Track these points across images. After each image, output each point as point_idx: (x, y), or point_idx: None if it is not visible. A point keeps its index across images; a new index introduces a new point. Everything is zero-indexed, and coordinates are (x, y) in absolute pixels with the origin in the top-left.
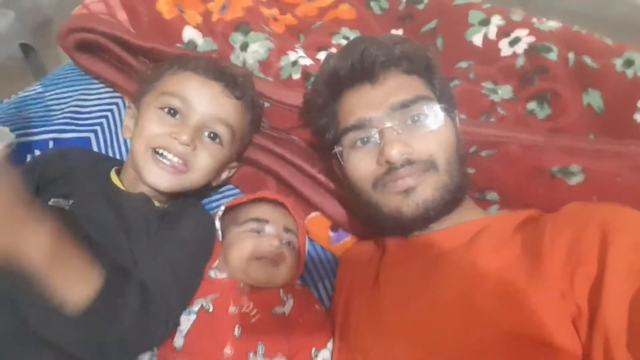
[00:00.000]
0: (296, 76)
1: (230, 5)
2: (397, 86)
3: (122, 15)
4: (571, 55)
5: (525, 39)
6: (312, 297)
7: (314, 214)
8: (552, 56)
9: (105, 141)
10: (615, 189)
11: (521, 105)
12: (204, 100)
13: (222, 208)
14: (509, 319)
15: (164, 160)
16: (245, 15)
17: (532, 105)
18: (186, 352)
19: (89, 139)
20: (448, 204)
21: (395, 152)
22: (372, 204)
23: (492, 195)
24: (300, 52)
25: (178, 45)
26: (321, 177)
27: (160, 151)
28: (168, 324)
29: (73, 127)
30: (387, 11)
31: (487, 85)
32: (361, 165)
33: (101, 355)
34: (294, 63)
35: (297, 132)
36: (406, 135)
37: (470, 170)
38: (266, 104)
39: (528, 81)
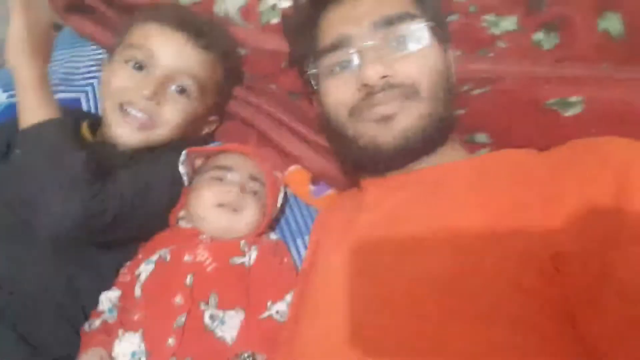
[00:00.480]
0: (275, 20)
1: None
2: (382, 0)
3: None
4: None
5: None
6: (284, 251)
7: (293, 167)
8: None
9: (96, 101)
10: (616, 119)
11: (526, 36)
12: (168, 52)
13: (184, 152)
14: (490, 256)
15: (130, 113)
16: None
17: (538, 35)
18: (143, 300)
19: (79, 99)
20: (430, 137)
21: (373, 73)
22: (348, 136)
23: (481, 137)
24: None
25: None
26: (301, 128)
27: (126, 107)
28: (113, 205)
29: (64, 87)
30: None
31: (489, 17)
32: (338, 91)
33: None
34: (273, 7)
35: (276, 78)
36: (388, 56)
37: (461, 111)
38: (245, 52)
39: (536, 5)
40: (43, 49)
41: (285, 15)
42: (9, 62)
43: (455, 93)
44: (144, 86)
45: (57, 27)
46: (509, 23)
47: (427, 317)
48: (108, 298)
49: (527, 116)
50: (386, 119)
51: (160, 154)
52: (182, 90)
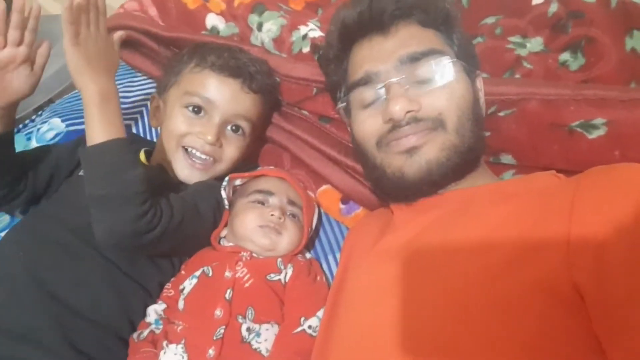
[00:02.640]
0: (306, 49)
1: None
2: (408, 38)
3: (152, 11)
4: None
5: None
6: (317, 270)
7: (324, 187)
8: None
9: (144, 127)
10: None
11: (552, 57)
12: (225, 99)
13: (227, 178)
14: (513, 279)
15: (195, 159)
16: None
17: (565, 56)
18: (185, 313)
19: (130, 126)
20: (456, 167)
21: (399, 108)
22: (376, 165)
23: (507, 158)
24: (311, 25)
25: (203, 32)
26: (330, 151)
27: (190, 149)
28: (163, 222)
29: None
30: None
31: (515, 39)
32: (366, 123)
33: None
34: (304, 36)
35: (306, 104)
36: (414, 91)
37: (486, 133)
38: (278, 80)
39: (561, 29)
40: (105, 64)
41: (317, 46)
42: (75, 85)
43: (483, 120)
44: (207, 132)
45: None
46: (534, 44)
47: (444, 342)
48: (154, 310)
49: (552, 138)
50: (411, 150)
51: (206, 180)
52: (237, 129)
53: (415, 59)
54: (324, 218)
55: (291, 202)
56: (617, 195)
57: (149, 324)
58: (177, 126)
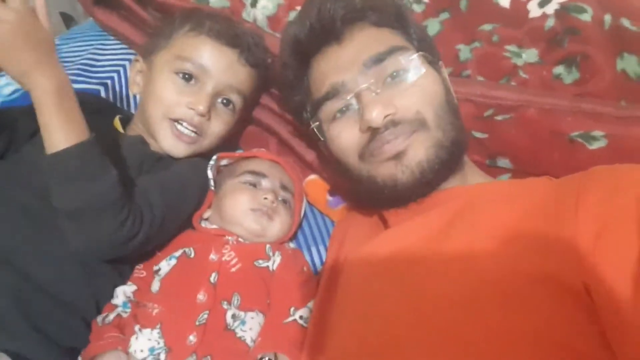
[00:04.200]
0: None
1: None
2: (367, 41)
3: None
4: (607, 17)
5: None
6: (302, 260)
7: (312, 177)
8: (586, 17)
9: (114, 95)
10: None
11: (547, 69)
12: (220, 68)
13: (215, 157)
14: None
15: (182, 130)
16: None
17: (559, 69)
18: (161, 295)
19: (98, 91)
20: (445, 163)
21: (375, 115)
22: (362, 177)
23: (503, 162)
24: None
25: (191, 0)
26: None
27: (178, 121)
28: (144, 226)
29: (83, 79)
30: None
31: (511, 48)
32: (342, 136)
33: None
34: None
35: None
36: (386, 94)
37: (483, 135)
38: (270, 60)
39: (557, 43)
40: (45, 48)
41: (277, 75)
42: (22, 87)
43: (459, 113)
44: (198, 102)
45: (68, 18)
46: (530, 55)
47: (453, 333)
48: (123, 291)
49: (553, 146)
50: (398, 155)
51: (191, 158)
52: (227, 103)
53: (379, 60)
54: (307, 209)
55: (283, 187)
56: (621, 196)
57: (116, 306)
58: (165, 93)
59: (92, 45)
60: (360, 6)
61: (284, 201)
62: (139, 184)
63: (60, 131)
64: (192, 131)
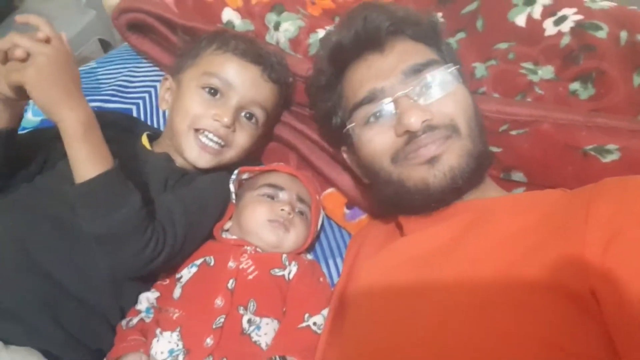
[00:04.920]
0: None
1: None
2: (406, 52)
3: None
4: (623, 34)
5: (572, 17)
6: (319, 271)
7: (330, 190)
8: (601, 34)
9: (145, 113)
10: None
11: (563, 85)
12: (244, 83)
13: (236, 171)
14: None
15: (207, 142)
16: None
17: (575, 85)
18: (182, 301)
19: (131, 110)
20: (474, 172)
21: (414, 120)
22: (393, 181)
23: (517, 176)
24: (330, 29)
25: (218, 25)
26: (338, 154)
27: (203, 132)
28: (167, 246)
29: (117, 99)
30: None
31: (527, 65)
32: (376, 140)
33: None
34: None
35: None
36: (422, 101)
37: (497, 149)
38: (292, 79)
39: (573, 60)
40: (74, 84)
41: (308, 81)
42: (50, 119)
43: (485, 129)
44: (223, 114)
45: (106, 44)
46: (545, 72)
47: (463, 340)
48: (147, 298)
49: (566, 159)
50: (432, 160)
51: (214, 173)
52: (251, 117)
53: (418, 70)
54: (325, 222)
55: (300, 199)
56: (632, 204)
57: (139, 312)
58: (192, 106)
59: (126, 67)
60: (402, 20)
61: (301, 213)
62: (163, 202)
63: (87, 162)
64: (217, 142)
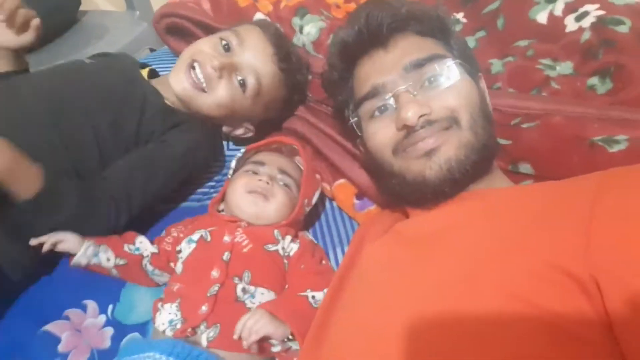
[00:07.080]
0: None
1: None
2: (409, 47)
3: (206, 5)
4: None
5: (594, 12)
6: (321, 252)
7: (341, 181)
8: (623, 29)
9: None
10: None
11: (580, 80)
12: (255, 52)
13: (242, 150)
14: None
15: (193, 75)
16: (306, 0)
17: (593, 80)
18: (184, 276)
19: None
20: (474, 164)
21: (411, 114)
22: (395, 173)
23: (525, 167)
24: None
25: None
26: (351, 147)
27: (194, 64)
28: (121, 208)
29: None
30: None
31: (545, 61)
32: (379, 133)
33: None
34: None
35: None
36: (423, 96)
37: (507, 142)
38: (311, 77)
39: (592, 55)
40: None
41: (322, 76)
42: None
43: (494, 121)
44: (219, 57)
45: (151, 51)
46: (564, 67)
47: (462, 324)
48: (145, 246)
49: (572, 150)
50: (430, 152)
51: (193, 121)
52: (242, 84)
53: (419, 65)
54: (336, 212)
55: (283, 172)
56: (638, 196)
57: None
58: (203, 44)
59: (166, 68)
60: (405, 16)
61: (285, 185)
62: (121, 173)
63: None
64: (200, 81)
